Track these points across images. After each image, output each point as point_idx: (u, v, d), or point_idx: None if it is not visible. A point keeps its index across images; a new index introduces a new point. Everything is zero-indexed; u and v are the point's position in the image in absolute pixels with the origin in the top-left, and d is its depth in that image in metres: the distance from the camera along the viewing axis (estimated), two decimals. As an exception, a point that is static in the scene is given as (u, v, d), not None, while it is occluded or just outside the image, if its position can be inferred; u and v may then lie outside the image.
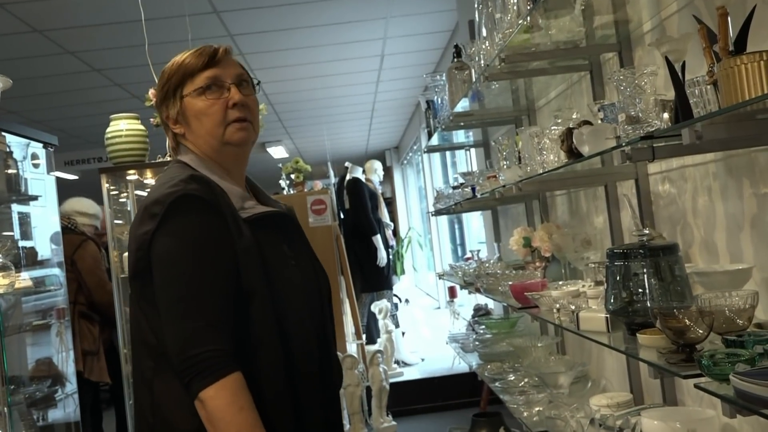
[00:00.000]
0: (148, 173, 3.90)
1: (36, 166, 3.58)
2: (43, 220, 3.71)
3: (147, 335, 1.53)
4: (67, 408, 3.67)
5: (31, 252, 3.61)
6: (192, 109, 1.61)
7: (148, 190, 1.76)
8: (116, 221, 3.95)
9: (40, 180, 3.62)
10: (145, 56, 3.78)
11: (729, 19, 1.51)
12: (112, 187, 3.89)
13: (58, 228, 3.77)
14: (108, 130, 3.80)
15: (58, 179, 3.83)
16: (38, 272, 3.60)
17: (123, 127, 3.77)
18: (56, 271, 3.73)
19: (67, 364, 3.71)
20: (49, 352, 3.70)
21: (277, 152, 11.12)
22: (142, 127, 3.84)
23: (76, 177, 10.21)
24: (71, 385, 3.69)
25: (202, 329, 1.42)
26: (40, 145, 3.57)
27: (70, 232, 4.27)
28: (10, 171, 3.36)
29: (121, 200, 4.10)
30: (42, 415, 3.59)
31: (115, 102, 6.98)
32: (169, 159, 3.81)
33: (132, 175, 3.89)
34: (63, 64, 5.88)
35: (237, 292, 1.49)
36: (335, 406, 1.67)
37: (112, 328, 4.21)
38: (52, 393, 3.59)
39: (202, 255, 1.47)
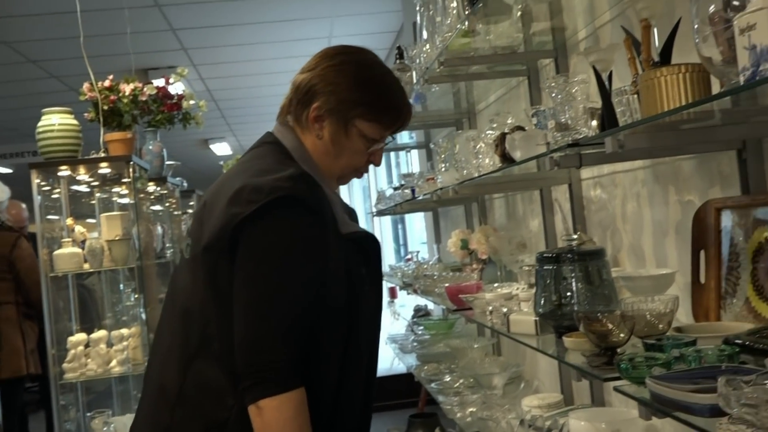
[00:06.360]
0: (81, 169, 3.79)
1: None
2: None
3: (199, 311, 1.46)
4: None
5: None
6: (347, 138, 1.56)
7: (244, 168, 1.52)
8: (48, 217, 3.83)
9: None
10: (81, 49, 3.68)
11: (654, 30, 1.56)
12: (43, 183, 3.77)
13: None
14: (39, 124, 3.69)
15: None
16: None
17: (55, 121, 3.66)
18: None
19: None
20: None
21: (220, 149, 10.96)
22: (75, 121, 3.73)
23: (10, 171, 9.90)
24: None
25: (278, 335, 1.37)
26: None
27: None
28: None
29: (53, 196, 3.98)
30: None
31: (51, 94, 6.78)
32: (103, 155, 3.73)
33: (64, 171, 3.77)
34: (-4, 54, 5.69)
35: (317, 305, 1.44)
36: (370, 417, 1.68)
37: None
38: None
39: (294, 261, 1.41)
